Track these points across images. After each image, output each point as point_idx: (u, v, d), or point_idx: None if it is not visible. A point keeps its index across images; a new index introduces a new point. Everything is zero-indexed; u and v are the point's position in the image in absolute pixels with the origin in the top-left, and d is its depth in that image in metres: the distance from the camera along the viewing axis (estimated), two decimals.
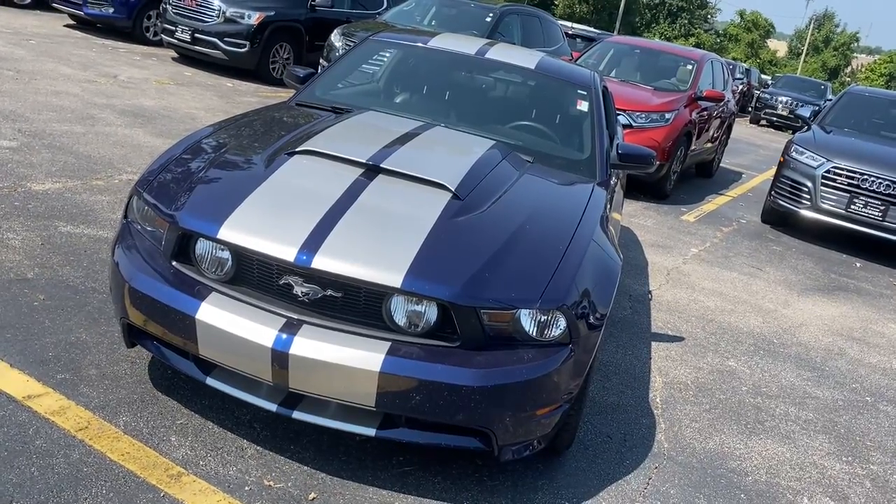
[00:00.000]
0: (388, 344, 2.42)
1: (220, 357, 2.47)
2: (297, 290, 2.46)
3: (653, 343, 4.54)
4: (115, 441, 2.64)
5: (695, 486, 3.14)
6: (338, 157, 2.92)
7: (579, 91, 4.12)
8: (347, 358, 2.36)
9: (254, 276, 2.54)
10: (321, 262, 2.39)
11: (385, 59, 4.42)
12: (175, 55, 11.86)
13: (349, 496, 2.61)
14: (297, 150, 2.95)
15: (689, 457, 3.34)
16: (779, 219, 8.62)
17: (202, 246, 2.59)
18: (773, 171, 9.20)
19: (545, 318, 2.55)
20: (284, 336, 2.38)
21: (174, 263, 2.63)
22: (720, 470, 3.30)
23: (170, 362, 2.68)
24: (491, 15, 10.22)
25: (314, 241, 2.43)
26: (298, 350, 2.37)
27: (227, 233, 2.48)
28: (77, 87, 8.13)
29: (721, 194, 10.02)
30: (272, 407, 2.55)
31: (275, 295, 2.52)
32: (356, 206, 2.63)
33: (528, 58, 4.31)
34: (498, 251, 2.61)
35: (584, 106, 4.03)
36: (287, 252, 2.41)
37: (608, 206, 3.46)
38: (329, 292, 2.45)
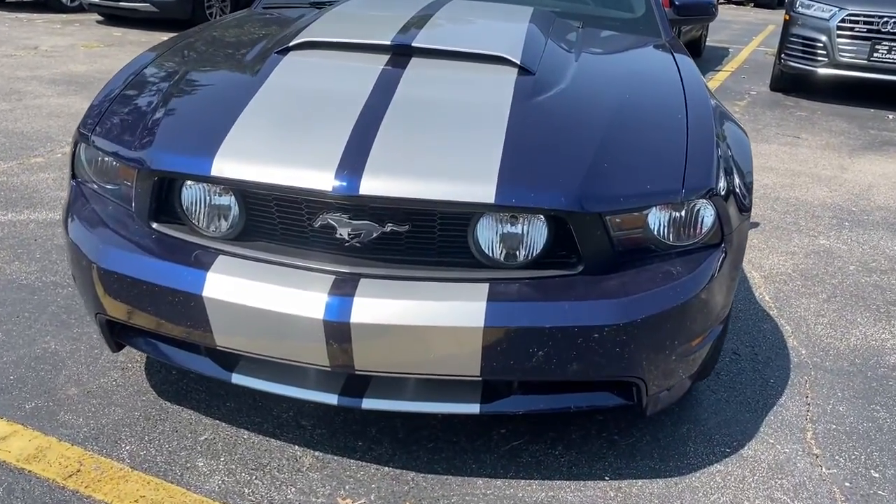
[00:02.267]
0: (486, 286, 1.68)
1: (248, 345, 1.72)
2: (342, 231, 1.70)
3: None
4: (121, 482, 1.90)
5: (864, 396, 2.48)
6: (350, 45, 2.11)
7: None
8: (434, 315, 1.62)
9: (275, 224, 1.77)
10: (371, 185, 1.61)
11: None
12: (99, 17, 10.70)
13: (456, 496, 1.91)
14: (290, 44, 2.13)
15: (837, 361, 2.68)
16: (790, 84, 7.91)
17: (191, 193, 1.81)
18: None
19: (687, 212, 1.82)
20: (338, 300, 1.63)
21: (155, 226, 1.85)
22: (881, 369, 2.64)
23: (175, 362, 1.93)
24: None
25: (354, 159, 1.65)
26: (362, 316, 1.62)
27: (223, 166, 1.68)
28: None
29: (718, 70, 9.27)
30: (332, 399, 1.81)
31: (310, 245, 1.76)
32: (397, 103, 1.84)
33: None
34: (607, 134, 1.85)
35: None
36: (319, 179, 1.63)
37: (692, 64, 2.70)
38: (389, 227, 1.69)
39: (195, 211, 1.81)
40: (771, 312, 3.02)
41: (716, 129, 2.02)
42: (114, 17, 10.53)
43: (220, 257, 1.76)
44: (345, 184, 1.61)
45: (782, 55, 7.67)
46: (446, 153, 1.68)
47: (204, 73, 2.14)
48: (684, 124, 1.95)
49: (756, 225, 4.01)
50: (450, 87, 1.94)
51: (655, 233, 1.81)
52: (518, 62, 2.04)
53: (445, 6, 2.65)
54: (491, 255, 1.73)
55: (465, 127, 1.77)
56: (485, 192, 1.61)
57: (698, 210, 1.83)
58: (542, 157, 1.71)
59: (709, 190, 1.80)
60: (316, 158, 1.65)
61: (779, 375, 2.56)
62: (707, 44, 11.24)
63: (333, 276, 1.69)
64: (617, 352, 1.70)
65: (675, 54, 2.54)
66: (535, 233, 1.72)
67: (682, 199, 1.76)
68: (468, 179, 1.62)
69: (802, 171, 5.09)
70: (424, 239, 1.72)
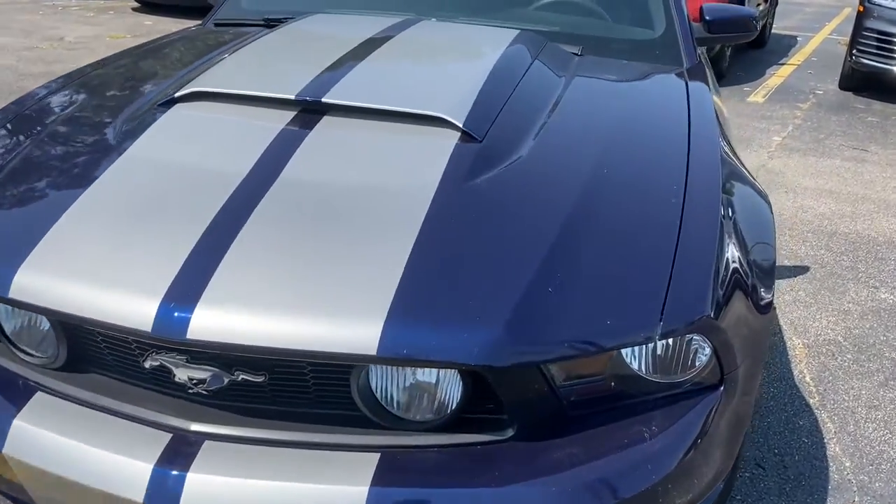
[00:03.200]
0: (377, 457, 1.21)
1: None
2: (181, 376, 1.25)
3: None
4: None
5: None
6: (247, 98, 1.64)
7: None
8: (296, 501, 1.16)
9: (104, 356, 1.33)
10: (202, 326, 1.15)
11: None
12: (135, 4, 10.47)
13: None
14: (175, 95, 1.68)
15: (891, 481, 2.13)
16: (862, 82, 7.12)
17: (3, 308, 1.38)
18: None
19: (672, 348, 1.32)
20: (166, 475, 1.19)
21: None
22: None
23: None
24: None
25: (187, 286, 1.18)
26: (197, 499, 1.17)
27: (25, 284, 1.24)
28: (12, 57, 6.87)
29: (783, 64, 8.48)
30: None
31: (149, 384, 1.32)
32: (276, 191, 1.36)
33: None
34: (561, 238, 1.35)
35: None
36: (138, 313, 1.17)
37: (716, 102, 2.16)
38: (239, 376, 1.23)
39: (12, 329, 1.39)
40: (811, 401, 2.47)
41: (724, 214, 1.50)
42: (151, 5, 10.29)
43: (38, 395, 1.33)
44: (168, 323, 1.16)
45: (854, 51, 6.88)
46: (322, 275, 1.21)
47: (59, 136, 1.67)
48: (677, 218, 1.43)
49: (805, 270, 3.42)
50: (358, 164, 1.46)
51: (631, 371, 1.32)
52: (460, 125, 1.55)
53: (409, 29, 2.16)
54: (387, 410, 1.26)
55: (363, 230, 1.30)
56: (365, 338, 1.14)
57: (685, 345, 1.33)
58: (457, 281, 1.22)
59: (701, 316, 1.28)
60: (141, 282, 1.20)
61: (813, 501, 2.03)
62: (773, 31, 10.36)
63: (170, 435, 1.25)
64: None
65: (690, 96, 2.00)
66: (449, 382, 1.25)
67: (658, 335, 1.25)
68: (344, 318, 1.15)
69: (868, 195, 4.43)
70: (294, 389, 1.26)
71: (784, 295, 3.17)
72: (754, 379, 1.47)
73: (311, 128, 1.53)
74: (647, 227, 1.41)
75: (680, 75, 2.22)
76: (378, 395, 1.25)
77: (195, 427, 1.26)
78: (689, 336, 1.31)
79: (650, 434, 1.29)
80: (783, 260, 3.51)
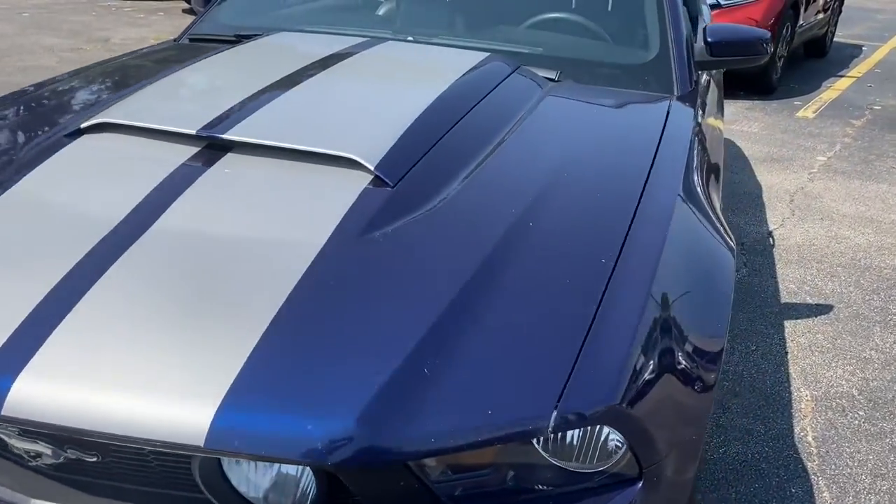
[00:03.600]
0: None
1: None
2: (17, 448, 1.13)
3: (785, 323, 3.02)
4: None
5: None
6: (153, 132, 1.52)
7: None
8: None
9: None
10: (22, 400, 1.03)
11: None
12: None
13: None
14: (82, 126, 1.57)
15: None
16: None
17: None
18: None
19: (578, 437, 1.15)
20: None
21: None
22: None
23: None
24: None
25: (15, 353, 1.06)
26: None
27: None
28: (54, 58, 7.00)
29: (841, 76, 8.03)
30: None
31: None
32: (145, 243, 1.24)
33: None
34: (452, 307, 1.18)
35: None
36: None
37: (698, 136, 1.96)
38: (73, 454, 1.11)
39: None
40: (809, 464, 2.24)
41: (664, 274, 1.31)
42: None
43: None
44: None
45: None
46: (166, 351, 1.07)
47: None
48: (601, 286, 1.25)
49: (827, 310, 3.15)
50: (245, 211, 1.32)
51: (525, 464, 1.15)
52: (372, 168, 1.40)
53: (366, 51, 2.02)
54: (239, 498, 1.12)
55: (224, 295, 1.15)
56: (193, 427, 1.00)
57: (594, 434, 1.15)
58: (314, 363, 1.07)
59: (606, 408, 1.11)
60: None
61: None
62: (835, 40, 9.86)
63: None
64: None
65: (665, 133, 1.81)
66: (304, 475, 1.10)
67: (550, 427, 1.08)
68: (177, 404, 1.01)
69: None
70: (137, 470, 1.13)
71: (799, 338, 2.92)
72: (686, 470, 1.28)
73: (207, 167, 1.41)
74: (562, 296, 1.23)
75: (664, 105, 2.02)
76: (233, 482, 1.11)
77: (35, 502, 1.14)
78: (594, 427, 1.14)
79: None
80: (805, 297, 3.24)
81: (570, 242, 1.36)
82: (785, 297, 3.23)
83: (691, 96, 2.18)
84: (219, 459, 1.09)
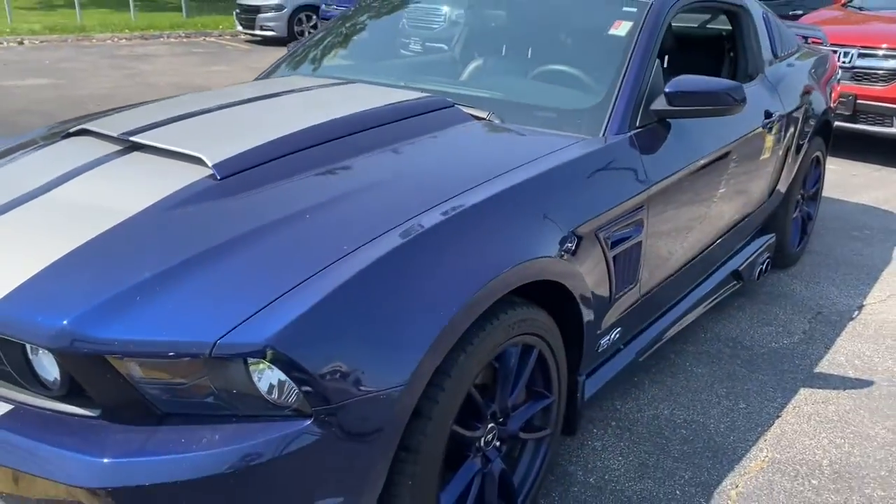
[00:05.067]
0: (11, 408, 1.58)
1: None
2: None
3: (802, 390, 2.87)
4: None
5: None
6: (100, 135, 2.13)
7: (624, 9, 2.72)
8: None
9: None
10: None
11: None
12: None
13: None
14: (71, 130, 2.23)
15: None
16: None
17: None
18: None
19: (235, 372, 1.48)
20: None
21: None
22: None
23: None
24: None
25: None
26: None
27: None
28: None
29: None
30: None
31: None
32: (45, 198, 1.82)
33: None
34: (211, 253, 1.60)
35: (622, 29, 2.64)
36: None
37: (598, 175, 2.15)
38: None
39: None
40: None
41: (385, 271, 1.60)
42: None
43: None
44: None
45: None
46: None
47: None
48: (322, 265, 1.58)
49: (863, 385, 2.92)
50: (108, 187, 1.85)
51: (220, 389, 1.51)
52: (210, 164, 1.86)
53: (327, 88, 2.51)
54: (41, 377, 1.61)
55: (53, 235, 1.67)
56: None
57: (252, 370, 1.48)
58: (83, 279, 1.55)
59: (266, 346, 1.44)
60: None
61: None
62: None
63: None
64: None
65: (547, 159, 2.07)
66: (50, 363, 1.56)
67: (211, 351, 1.44)
68: None
69: None
70: None
71: (805, 406, 2.77)
72: (371, 425, 1.53)
73: (111, 160, 1.98)
74: (288, 264, 1.59)
75: (572, 144, 2.23)
76: (33, 363, 1.61)
77: None
78: (257, 363, 1.46)
79: (210, 442, 1.47)
80: (847, 370, 3.03)
81: (327, 233, 1.70)
82: (823, 367, 3.04)
83: (625, 142, 2.33)
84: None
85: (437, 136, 2.25)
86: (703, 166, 2.67)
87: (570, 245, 2.01)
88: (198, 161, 1.90)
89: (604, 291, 2.21)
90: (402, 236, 1.68)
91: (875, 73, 6.01)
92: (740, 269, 3.35)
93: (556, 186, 2.06)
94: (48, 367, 1.56)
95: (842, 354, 3.16)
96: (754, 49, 3.36)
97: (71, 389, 1.56)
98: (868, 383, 2.94)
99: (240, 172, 1.88)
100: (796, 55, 3.82)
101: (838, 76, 4.48)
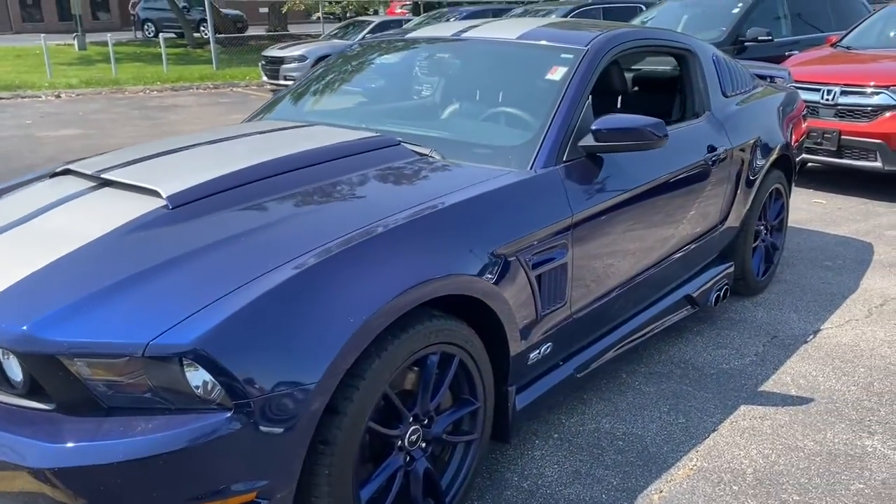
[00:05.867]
0: None
1: None
2: None
3: (742, 407, 3.04)
4: None
5: None
6: (80, 173, 2.45)
7: (562, 56, 3.00)
8: None
9: None
10: None
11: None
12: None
13: None
14: (57, 169, 2.55)
15: None
16: None
17: None
18: None
19: (179, 368, 1.74)
20: None
21: None
22: None
23: None
24: (740, 5, 8.56)
25: None
26: None
27: None
28: None
29: None
30: None
31: None
32: (25, 226, 2.14)
33: (517, 28, 3.30)
34: (147, 271, 1.88)
35: (557, 74, 2.91)
36: None
37: (522, 202, 2.42)
38: None
39: None
40: None
41: (307, 286, 1.86)
42: None
43: None
44: None
45: None
46: None
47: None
48: (249, 278, 1.85)
49: (801, 402, 3.07)
50: (79, 217, 2.16)
51: (156, 387, 1.76)
52: (164, 196, 2.16)
53: (268, 134, 2.83)
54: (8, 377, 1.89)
55: (28, 255, 1.97)
56: None
57: (185, 369, 1.73)
58: (46, 292, 1.83)
59: (194, 348, 1.70)
60: None
61: None
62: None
63: None
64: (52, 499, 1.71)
65: (468, 191, 2.33)
66: (12, 364, 1.83)
67: (144, 353, 1.70)
68: None
69: None
70: None
71: (741, 421, 2.94)
72: (289, 422, 1.77)
73: (85, 194, 2.28)
74: (222, 275, 1.87)
75: (500, 177, 2.48)
76: (3, 366, 1.89)
77: None
78: (186, 363, 1.72)
79: (143, 430, 1.72)
80: (790, 388, 3.19)
81: (257, 252, 1.97)
82: (767, 387, 3.21)
83: (550, 175, 2.58)
84: None
85: (379, 169, 2.53)
86: (636, 196, 2.90)
87: (490, 264, 2.25)
88: (155, 193, 2.20)
89: (528, 308, 2.44)
90: (321, 255, 1.95)
91: (860, 110, 6.19)
92: (694, 294, 3.54)
93: (479, 212, 2.31)
94: (15, 370, 1.84)
95: (788, 375, 3.32)
96: (701, 89, 3.61)
97: (32, 388, 1.83)
98: (808, 400, 3.10)
99: (190, 202, 2.17)
100: (751, 94, 4.04)
101: (804, 113, 4.69)
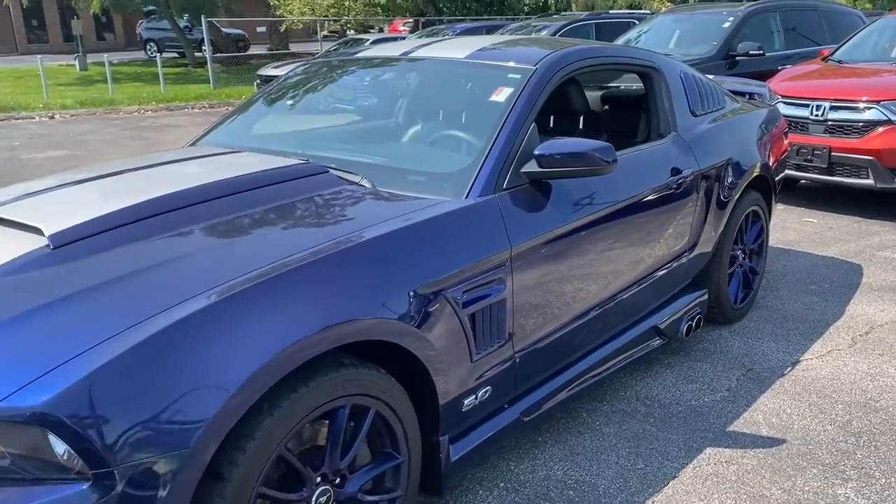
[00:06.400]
0: None
1: None
2: None
3: (708, 449, 2.82)
4: None
5: None
6: None
7: (509, 76, 2.81)
8: None
9: None
10: None
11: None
12: None
13: None
14: None
15: None
16: None
17: None
18: None
19: (41, 432, 1.55)
20: None
21: None
22: None
23: None
24: (731, 19, 8.37)
25: None
26: None
27: None
28: None
29: None
30: None
31: None
32: None
33: (467, 47, 3.12)
34: (17, 318, 1.70)
35: (502, 96, 2.72)
36: None
37: (450, 232, 2.22)
38: None
39: None
40: None
41: (184, 341, 1.67)
42: None
43: None
44: None
45: None
46: None
47: None
48: (118, 329, 1.66)
49: (773, 444, 2.85)
50: None
51: (9, 451, 1.58)
52: (46, 234, 1.98)
53: (211, 157, 2.64)
54: None
55: None
56: None
57: (42, 432, 1.54)
58: None
59: (43, 415, 1.51)
60: None
61: None
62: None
63: None
64: None
65: (384, 226, 2.14)
66: None
67: None
68: None
69: None
70: None
71: (704, 466, 2.72)
72: (151, 483, 1.57)
73: None
74: (81, 325, 1.67)
75: (429, 207, 2.29)
76: None
77: None
78: (35, 428, 1.53)
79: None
80: (761, 428, 2.96)
81: (134, 299, 1.77)
82: (737, 426, 2.99)
83: (485, 203, 2.39)
84: None
85: (298, 200, 2.34)
86: (588, 224, 2.70)
87: (411, 305, 2.06)
88: (38, 231, 2.02)
89: (460, 350, 2.24)
90: (205, 300, 1.75)
91: (851, 126, 5.97)
92: (662, 325, 3.33)
93: (400, 247, 2.12)
94: None
95: (760, 412, 3.10)
96: (666, 108, 3.41)
97: None
98: (779, 442, 2.88)
99: (74, 242, 1.98)
100: (723, 112, 3.84)
101: (786, 131, 4.48)
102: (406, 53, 3.20)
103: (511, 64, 2.89)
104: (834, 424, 2.99)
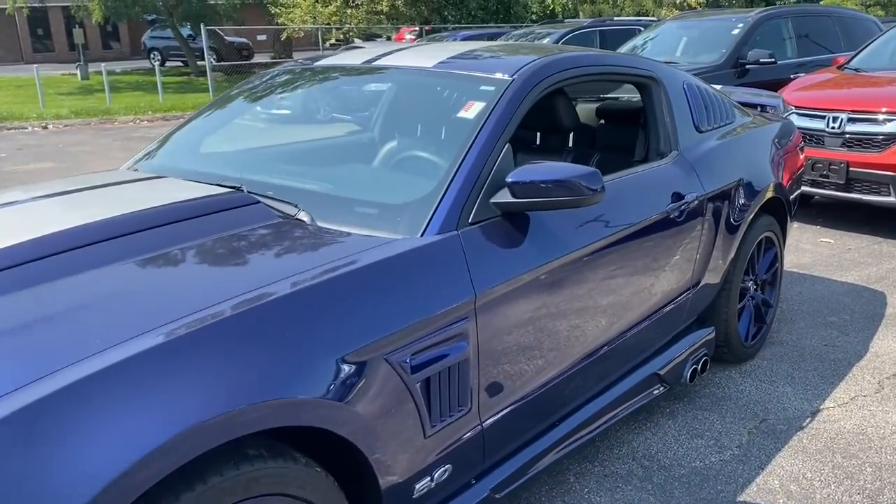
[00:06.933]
0: None
1: None
2: None
3: None
4: None
5: None
6: None
7: (482, 88, 2.41)
8: None
9: None
10: None
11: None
12: None
13: None
14: None
15: None
16: None
17: None
18: None
19: None
20: None
21: None
22: None
23: None
24: (740, 26, 7.95)
25: None
26: None
27: None
28: None
29: None
30: None
31: None
32: None
33: (436, 55, 2.71)
34: None
35: (471, 111, 2.32)
36: None
37: (396, 273, 1.83)
38: None
39: None
40: None
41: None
42: None
43: None
44: None
45: None
46: None
47: None
48: (57, 367, 1.32)
49: None
50: None
51: None
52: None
53: (123, 185, 2.27)
54: None
55: None
56: None
57: None
58: None
59: None
60: None
61: None
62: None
63: None
64: None
65: (312, 270, 1.74)
66: None
67: None
68: None
69: None
70: None
71: None
72: None
73: None
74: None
75: (364, 252, 1.89)
76: None
77: None
78: None
79: None
80: (779, 498, 2.54)
81: (82, 330, 1.49)
82: (749, 495, 2.56)
83: (444, 242, 1.99)
84: None
85: (213, 240, 1.94)
86: (572, 263, 2.29)
87: (339, 376, 1.65)
88: None
89: (410, 426, 1.83)
90: (64, 378, 1.35)
91: (871, 139, 5.54)
92: (662, 371, 2.91)
93: (327, 302, 1.71)
94: None
95: (776, 477, 2.67)
96: (667, 124, 3.00)
97: None
98: None
99: (15, 266, 1.68)
100: (732, 127, 3.43)
101: (801, 146, 4.06)
102: (369, 62, 2.79)
103: (484, 74, 2.48)
104: (862, 494, 2.56)
